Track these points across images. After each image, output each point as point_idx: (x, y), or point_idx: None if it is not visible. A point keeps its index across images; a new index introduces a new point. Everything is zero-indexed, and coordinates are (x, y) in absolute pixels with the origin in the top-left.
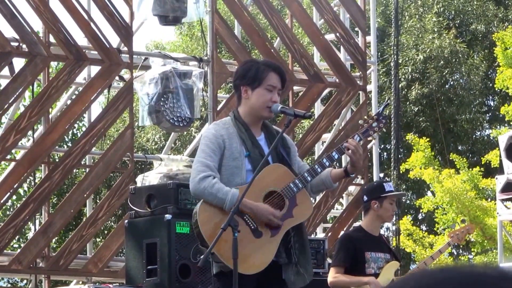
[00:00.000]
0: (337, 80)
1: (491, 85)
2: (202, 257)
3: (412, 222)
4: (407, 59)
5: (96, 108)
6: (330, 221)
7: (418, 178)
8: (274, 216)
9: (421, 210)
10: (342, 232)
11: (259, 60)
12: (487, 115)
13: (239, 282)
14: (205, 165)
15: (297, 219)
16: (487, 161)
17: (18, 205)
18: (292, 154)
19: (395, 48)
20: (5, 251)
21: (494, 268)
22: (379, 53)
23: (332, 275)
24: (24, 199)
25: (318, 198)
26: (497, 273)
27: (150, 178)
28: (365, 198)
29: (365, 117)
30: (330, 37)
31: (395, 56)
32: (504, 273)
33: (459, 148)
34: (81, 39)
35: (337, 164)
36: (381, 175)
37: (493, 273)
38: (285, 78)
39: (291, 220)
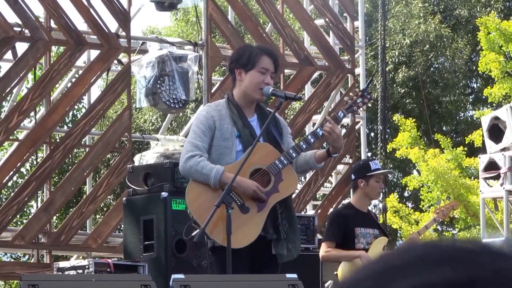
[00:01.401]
0: (326, 63)
1: (474, 68)
2: (197, 232)
3: (398, 199)
4: (394, 43)
5: (95, 91)
6: (320, 199)
7: (404, 157)
8: (259, 189)
9: (407, 188)
10: (331, 209)
11: (253, 45)
12: (471, 97)
13: (232, 257)
14: (194, 145)
15: (282, 194)
16: (471, 141)
17: (21, 183)
18: (284, 134)
19: (382, 32)
20: (8, 227)
21: (476, 242)
22: (367, 38)
23: (324, 250)
24: (26, 177)
25: (308, 176)
26: (479, 247)
27: (147, 158)
28: (353, 176)
29: (350, 93)
30: (319, 22)
31: (382, 41)
32: (486, 246)
33: (444, 128)
34: (81, 24)
35: (325, 144)
36: (369, 154)
37: (474, 247)
38: (277, 62)
39: (277, 194)
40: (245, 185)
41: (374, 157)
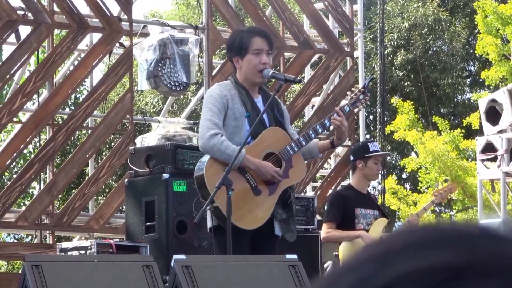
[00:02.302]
0: (325, 46)
1: (472, 51)
2: (198, 214)
3: (396, 181)
4: (392, 26)
5: (98, 74)
6: (319, 180)
7: (402, 140)
8: (277, 173)
9: (405, 170)
10: (330, 191)
11: (243, 29)
12: (468, 79)
13: (236, 237)
14: (214, 123)
15: (292, 180)
16: (468, 124)
17: (24, 165)
18: (285, 119)
19: (381, 16)
20: (11, 208)
21: (475, 225)
22: (366, 21)
23: (325, 231)
24: (28, 159)
25: None
26: (478, 230)
27: (148, 140)
28: (352, 157)
29: (353, 88)
30: (319, 5)
31: (381, 24)
32: (485, 229)
33: (442, 111)
34: (83, 7)
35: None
36: (368, 136)
37: (473, 230)
38: (270, 38)
39: (287, 180)
40: (265, 169)
41: (372, 139)
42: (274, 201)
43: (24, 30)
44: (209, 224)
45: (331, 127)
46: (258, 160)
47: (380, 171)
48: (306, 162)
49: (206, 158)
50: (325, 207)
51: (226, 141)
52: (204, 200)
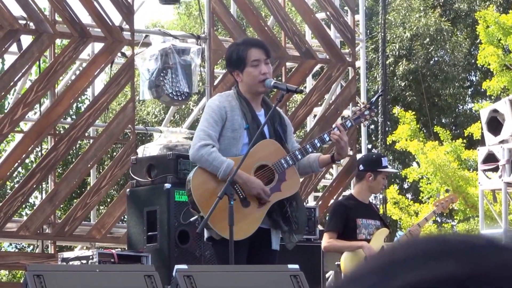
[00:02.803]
0: (327, 56)
1: (473, 61)
2: (196, 218)
3: (398, 191)
4: (394, 36)
5: (99, 83)
6: (321, 190)
7: (404, 150)
8: (264, 192)
9: (406, 180)
10: (332, 201)
11: (238, 42)
12: (470, 89)
13: (229, 248)
14: (207, 134)
15: (284, 194)
16: (469, 134)
17: (26, 175)
18: (288, 133)
19: (382, 26)
20: (13, 218)
21: (479, 236)
22: (368, 31)
23: (326, 240)
24: (30, 169)
25: None
26: (482, 241)
27: (150, 149)
28: (361, 167)
29: (359, 104)
30: (321, 15)
31: (382, 34)
32: (490, 240)
33: (443, 121)
34: (85, 17)
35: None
36: (369, 146)
37: (477, 241)
38: (266, 47)
39: (278, 193)
40: (252, 186)
41: (376, 150)
42: (263, 213)
43: (26, 40)
44: (206, 234)
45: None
46: (247, 175)
47: (384, 186)
48: (306, 175)
49: (193, 171)
50: (327, 217)
51: (216, 152)
52: (192, 210)
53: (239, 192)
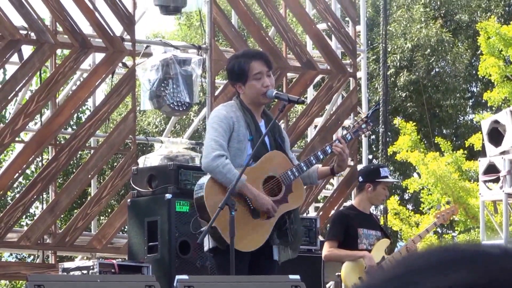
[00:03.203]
0: (328, 67)
1: (474, 72)
2: (201, 234)
3: (399, 202)
4: (395, 47)
5: (100, 93)
6: (322, 201)
7: (404, 160)
8: (273, 208)
9: (407, 191)
10: (333, 211)
11: (238, 54)
12: (471, 100)
13: (235, 259)
14: (219, 144)
15: (291, 205)
16: (470, 145)
17: (27, 185)
18: (286, 146)
19: (384, 36)
20: (14, 228)
21: (495, 246)
22: (369, 42)
23: (327, 249)
24: (31, 179)
25: None
26: (498, 251)
27: (151, 160)
28: (361, 178)
29: (356, 118)
30: (322, 26)
31: (384, 45)
32: (505, 250)
33: (444, 132)
34: (86, 27)
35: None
36: (370, 157)
37: (493, 251)
38: (267, 59)
39: (286, 205)
40: (261, 202)
41: (384, 163)
42: (272, 225)
43: (27, 50)
44: (207, 245)
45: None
46: (257, 191)
47: (386, 197)
48: (305, 186)
49: (205, 179)
50: (328, 226)
51: (230, 164)
52: (202, 220)
53: (250, 203)
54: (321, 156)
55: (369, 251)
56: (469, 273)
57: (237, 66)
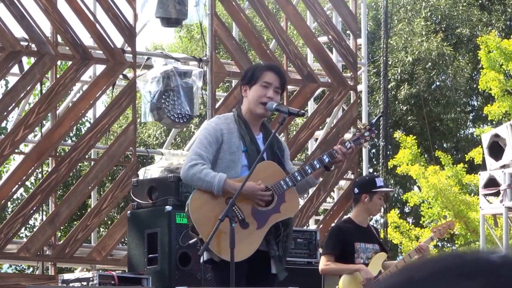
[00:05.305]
0: (329, 80)
1: (475, 86)
2: (194, 240)
3: (399, 215)
4: (396, 60)
5: (100, 105)
6: (322, 214)
7: (405, 174)
8: (262, 191)
9: (407, 204)
10: (333, 224)
11: (262, 63)
12: (471, 114)
13: (229, 272)
14: (198, 154)
15: (283, 215)
16: (471, 158)
17: (26, 196)
18: (285, 157)
19: (384, 50)
20: (13, 239)
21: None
22: (370, 55)
23: (323, 263)
24: (31, 191)
25: (310, 191)
26: (500, 259)
27: (151, 172)
28: (356, 190)
29: (359, 126)
30: (323, 39)
31: (384, 58)
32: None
33: (444, 145)
34: (87, 39)
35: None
36: (370, 170)
37: (495, 259)
38: (283, 78)
39: (278, 215)
40: (250, 189)
41: (377, 173)
42: (263, 235)
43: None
44: (204, 256)
45: (330, 164)
46: (238, 184)
47: (382, 207)
48: (305, 192)
49: (192, 193)
50: (325, 240)
51: (206, 168)
52: (192, 233)
53: (238, 213)
54: (318, 166)
55: (366, 265)
56: (473, 282)
57: (252, 70)
